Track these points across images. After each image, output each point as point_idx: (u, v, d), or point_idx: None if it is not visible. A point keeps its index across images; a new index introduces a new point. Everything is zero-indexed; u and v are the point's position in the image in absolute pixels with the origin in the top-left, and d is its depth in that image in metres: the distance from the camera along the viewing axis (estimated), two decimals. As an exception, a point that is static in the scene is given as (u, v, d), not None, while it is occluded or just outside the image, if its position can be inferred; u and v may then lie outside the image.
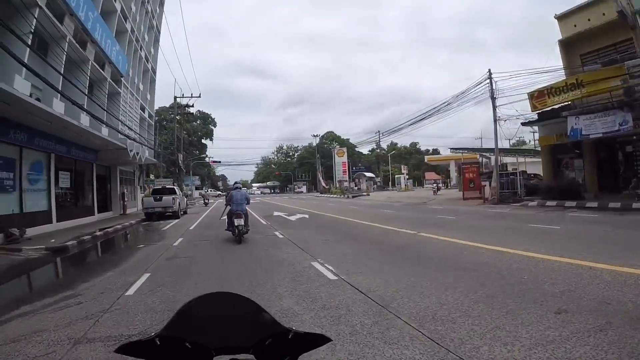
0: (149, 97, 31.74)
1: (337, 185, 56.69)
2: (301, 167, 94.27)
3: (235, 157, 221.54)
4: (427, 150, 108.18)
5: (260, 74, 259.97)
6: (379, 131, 69.67)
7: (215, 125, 78.75)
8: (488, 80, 22.52)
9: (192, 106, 37.42)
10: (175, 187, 23.93)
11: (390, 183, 77.32)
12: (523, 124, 21.66)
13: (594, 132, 17.56)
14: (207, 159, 68.14)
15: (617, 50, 18.50)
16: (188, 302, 0.93)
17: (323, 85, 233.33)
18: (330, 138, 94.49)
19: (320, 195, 55.45)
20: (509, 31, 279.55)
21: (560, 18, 20.54)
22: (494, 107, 22.34)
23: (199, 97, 35.91)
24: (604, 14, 18.05)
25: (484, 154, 39.93)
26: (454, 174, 73.10)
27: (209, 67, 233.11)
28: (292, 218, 17.47)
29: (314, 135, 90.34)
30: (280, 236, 11.08)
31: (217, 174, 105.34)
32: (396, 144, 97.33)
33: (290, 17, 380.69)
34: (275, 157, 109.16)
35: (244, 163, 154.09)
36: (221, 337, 0.92)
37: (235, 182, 12.67)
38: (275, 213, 20.79)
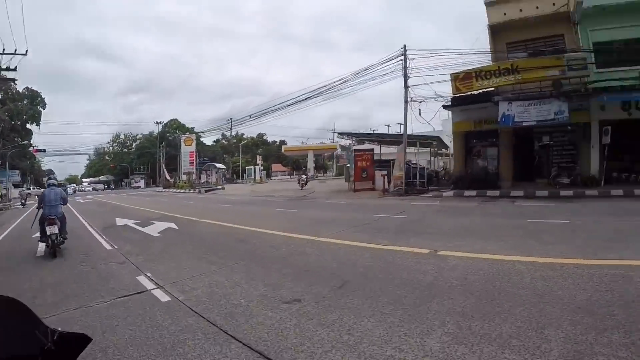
0: None
1: (185, 178, 48.44)
2: (140, 159, 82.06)
3: (67, 148, 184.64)
4: (275, 142, 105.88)
5: (100, 55, 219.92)
6: (230, 119, 64.18)
7: (44, 107, 61.38)
8: (400, 58, 19.59)
9: (15, 70, 24.63)
10: None
11: (240, 175, 71.96)
12: (445, 106, 19.17)
13: (527, 119, 16.25)
14: (30, 148, 52.11)
15: (545, 44, 18.25)
16: None
17: (169, 73, 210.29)
18: (175, 126, 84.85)
19: (164, 190, 46.42)
20: (360, 35, 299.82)
21: (490, 4, 19.29)
22: (406, 87, 19.44)
23: (25, 54, 23.66)
24: (537, 7, 17.85)
25: (342, 144, 37.71)
26: (311, 164, 72.02)
27: (41, 42, 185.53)
28: (152, 231, 10.52)
29: (157, 123, 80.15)
30: (163, 296, 4.60)
31: (43, 168, 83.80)
32: (243, 134, 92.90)
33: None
34: (111, 148, 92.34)
35: (75, 153, 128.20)
36: None
37: (49, 177, 10.16)
38: (120, 221, 13.25)
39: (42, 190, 12.37)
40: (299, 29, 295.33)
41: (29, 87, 60.88)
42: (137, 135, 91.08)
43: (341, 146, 68.44)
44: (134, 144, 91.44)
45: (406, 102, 19.24)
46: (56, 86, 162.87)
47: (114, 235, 10.29)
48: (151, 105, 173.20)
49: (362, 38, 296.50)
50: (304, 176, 34.37)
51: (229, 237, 8.99)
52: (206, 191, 36.39)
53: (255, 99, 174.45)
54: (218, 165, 52.68)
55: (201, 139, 74.04)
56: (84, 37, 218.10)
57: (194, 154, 53.86)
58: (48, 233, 7.95)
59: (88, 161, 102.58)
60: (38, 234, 8.48)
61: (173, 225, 11.47)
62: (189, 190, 39.75)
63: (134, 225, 12.02)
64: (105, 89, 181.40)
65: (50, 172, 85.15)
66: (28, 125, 59.67)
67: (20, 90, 59.82)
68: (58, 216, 8.29)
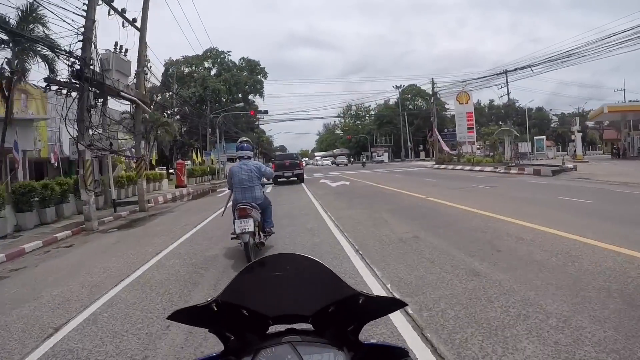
0: None
1: (477, 152, 32.96)
2: (380, 129, 71.56)
3: (293, 128, 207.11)
4: (531, 109, 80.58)
5: (315, 44, 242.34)
6: (505, 70, 44.80)
7: (265, 77, 57.37)
8: None
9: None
10: None
11: (531, 148, 52.65)
12: None
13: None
14: (249, 110, 47.07)
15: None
16: (248, 265, 0.83)
17: (382, 53, 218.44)
18: (414, 92, 71.04)
19: (444, 166, 32.24)
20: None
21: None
22: None
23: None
24: None
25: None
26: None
27: (258, 42, 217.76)
28: None
29: (396, 87, 68.07)
30: None
31: (275, 145, 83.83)
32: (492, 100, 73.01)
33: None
34: (343, 120, 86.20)
35: (303, 118, 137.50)
36: (280, 303, 0.83)
37: (240, 142, 6.02)
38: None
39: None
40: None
41: (245, 57, 57.30)
42: (370, 105, 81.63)
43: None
44: (366, 115, 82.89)
45: None
46: (278, 75, 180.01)
47: None
48: (371, 84, 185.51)
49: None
50: None
51: None
52: (554, 173, 19.73)
53: (473, 70, 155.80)
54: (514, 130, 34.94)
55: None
56: (294, 29, 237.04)
57: (472, 115, 38.11)
58: (237, 231, 5.27)
59: (317, 136, 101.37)
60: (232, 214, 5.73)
61: None
62: (503, 169, 23.96)
63: None
64: (326, 73, 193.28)
65: (282, 148, 77.07)
66: (251, 97, 55.93)
67: (237, 62, 56.44)
68: (256, 203, 5.51)
